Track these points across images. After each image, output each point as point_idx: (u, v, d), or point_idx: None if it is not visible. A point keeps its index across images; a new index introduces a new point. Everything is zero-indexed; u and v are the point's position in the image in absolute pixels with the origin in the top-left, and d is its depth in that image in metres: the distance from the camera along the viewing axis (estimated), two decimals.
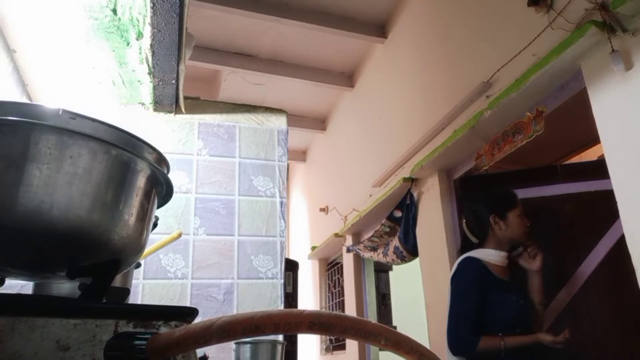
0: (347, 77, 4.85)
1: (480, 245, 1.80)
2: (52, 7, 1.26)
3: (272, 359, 1.21)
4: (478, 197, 1.96)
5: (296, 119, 5.49)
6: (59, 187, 0.58)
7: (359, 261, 4.63)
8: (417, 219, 3.26)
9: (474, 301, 1.66)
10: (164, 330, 0.54)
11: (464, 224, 1.92)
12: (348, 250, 4.58)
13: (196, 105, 1.88)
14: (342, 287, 5.05)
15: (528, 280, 1.80)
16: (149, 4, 1.21)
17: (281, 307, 1.73)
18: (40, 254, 0.62)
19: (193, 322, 0.56)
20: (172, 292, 1.64)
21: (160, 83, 1.61)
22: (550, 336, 1.58)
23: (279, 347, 1.24)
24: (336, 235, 4.80)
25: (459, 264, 1.79)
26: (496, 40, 2.57)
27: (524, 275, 1.81)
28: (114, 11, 1.25)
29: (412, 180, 3.29)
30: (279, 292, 1.73)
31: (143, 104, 1.79)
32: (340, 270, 5.27)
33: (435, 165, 3.00)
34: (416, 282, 3.29)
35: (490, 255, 1.76)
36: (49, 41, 1.41)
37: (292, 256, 4.92)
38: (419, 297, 3.22)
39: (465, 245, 1.87)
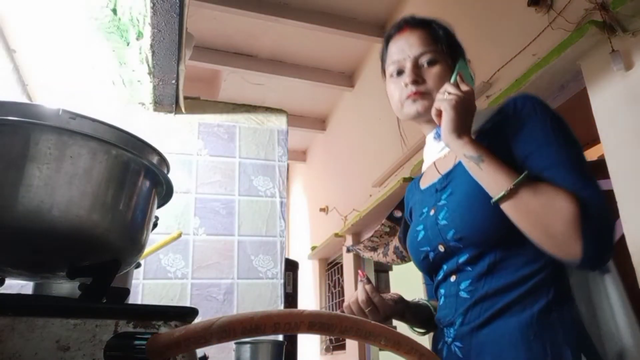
0: (347, 77, 4.85)
1: None
2: (52, 7, 1.26)
3: (272, 359, 1.20)
4: None
5: (296, 119, 5.49)
6: (59, 187, 0.58)
7: (359, 261, 4.63)
8: None
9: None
10: (164, 330, 0.54)
11: None
12: (348, 250, 4.58)
13: (196, 105, 1.88)
14: (342, 287, 5.05)
15: None
16: (149, 4, 1.21)
17: (281, 307, 1.73)
18: (40, 254, 0.62)
19: (193, 322, 0.56)
20: (172, 292, 1.64)
21: (160, 83, 1.61)
22: None
23: (279, 347, 1.23)
24: (336, 235, 4.80)
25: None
26: (496, 40, 2.57)
27: None
28: (114, 11, 1.25)
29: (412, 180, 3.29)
30: (279, 292, 1.73)
31: (143, 104, 1.79)
32: (340, 270, 5.27)
33: None
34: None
35: None
36: (49, 41, 1.41)
37: (292, 256, 4.92)
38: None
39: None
